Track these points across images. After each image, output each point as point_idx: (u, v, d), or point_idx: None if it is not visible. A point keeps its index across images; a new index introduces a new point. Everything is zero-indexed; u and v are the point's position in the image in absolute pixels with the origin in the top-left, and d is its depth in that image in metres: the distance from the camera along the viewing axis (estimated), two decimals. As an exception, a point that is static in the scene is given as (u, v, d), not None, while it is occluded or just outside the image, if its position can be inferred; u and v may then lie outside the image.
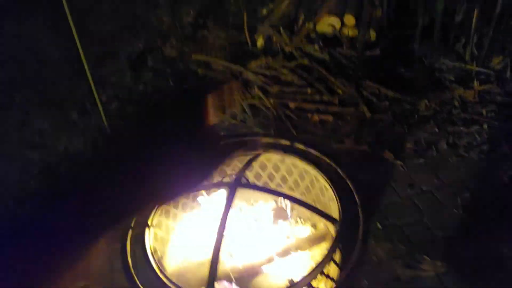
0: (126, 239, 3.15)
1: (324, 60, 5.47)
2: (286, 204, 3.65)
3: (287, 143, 3.56)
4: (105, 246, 4.05)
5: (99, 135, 4.94)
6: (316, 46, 5.56)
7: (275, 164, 3.68)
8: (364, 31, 5.53)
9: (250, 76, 5.42)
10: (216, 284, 2.90)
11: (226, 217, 2.94)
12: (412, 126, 4.78)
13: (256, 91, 5.24)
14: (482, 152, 4.48)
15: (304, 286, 2.79)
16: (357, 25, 5.62)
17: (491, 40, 5.18)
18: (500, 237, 3.77)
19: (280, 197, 3.46)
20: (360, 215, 3.08)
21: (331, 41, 5.70)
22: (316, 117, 4.95)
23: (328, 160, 3.44)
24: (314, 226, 3.60)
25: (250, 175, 3.70)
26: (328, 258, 2.82)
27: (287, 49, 5.65)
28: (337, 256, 3.01)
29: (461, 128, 4.72)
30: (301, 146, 3.54)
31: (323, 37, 5.72)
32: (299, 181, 3.66)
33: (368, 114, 4.88)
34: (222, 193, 3.52)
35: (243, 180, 3.23)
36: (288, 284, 2.85)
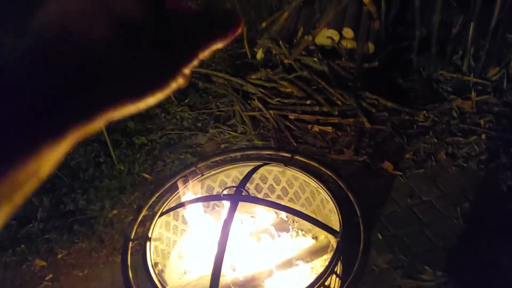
0: (127, 252, 3.09)
1: (323, 72, 5.44)
2: (287, 216, 3.60)
3: (287, 155, 3.50)
4: (105, 259, 4.02)
5: (101, 148, 4.91)
6: (315, 58, 5.52)
7: (275, 177, 3.63)
8: (362, 44, 5.50)
9: (250, 88, 5.40)
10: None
11: (228, 230, 2.88)
12: (411, 136, 4.76)
13: (256, 103, 5.21)
14: (480, 162, 4.45)
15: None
16: (356, 37, 5.58)
17: (488, 52, 5.17)
18: (500, 247, 3.75)
19: (280, 210, 3.39)
20: (361, 226, 3.01)
21: (330, 53, 5.67)
22: (315, 128, 4.94)
23: (328, 172, 3.39)
24: (315, 238, 3.54)
25: (250, 187, 3.66)
26: (329, 270, 2.75)
27: (287, 61, 5.62)
28: (338, 268, 2.95)
29: (460, 138, 4.70)
30: (301, 158, 3.49)
31: (322, 49, 5.68)
32: (299, 193, 3.61)
33: (367, 125, 4.87)
34: (223, 206, 3.46)
35: (243, 192, 3.17)
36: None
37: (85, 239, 4.24)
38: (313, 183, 3.38)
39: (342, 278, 2.99)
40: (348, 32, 5.61)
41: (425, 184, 4.35)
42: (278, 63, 5.71)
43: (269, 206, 3.29)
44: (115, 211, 4.41)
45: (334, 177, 3.34)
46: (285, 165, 3.47)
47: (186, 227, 3.55)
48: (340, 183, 3.29)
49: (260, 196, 3.69)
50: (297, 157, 3.51)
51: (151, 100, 0.64)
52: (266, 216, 3.68)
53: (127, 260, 3.05)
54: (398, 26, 5.79)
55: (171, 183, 3.49)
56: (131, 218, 3.46)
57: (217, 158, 3.64)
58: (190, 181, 3.39)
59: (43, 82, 0.56)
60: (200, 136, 5.13)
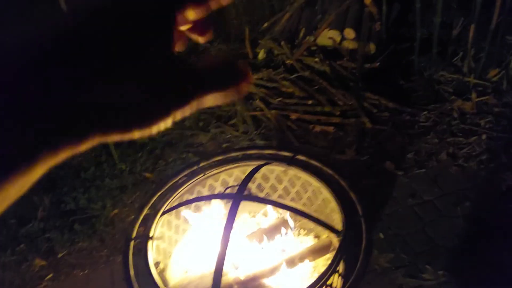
0: (128, 251, 3.04)
1: (325, 72, 5.40)
2: (289, 215, 3.56)
3: (289, 155, 3.46)
4: (106, 259, 3.97)
5: (102, 147, 4.87)
6: (317, 59, 5.49)
7: (277, 176, 3.58)
8: (363, 44, 5.47)
9: (252, 88, 5.35)
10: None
11: (230, 229, 2.83)
12: (412, 136, 4.72)
13: (258, 103, 5.17)
14: (481, 162, 4.41)
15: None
16: (357, 38, 5.55)
17: (488, 53, 5.13)
18: (500, 246, 3.72)
19: (282, 209, 3.36)
20: (363, 225, 2.98)
21: (332, 54, 5.63)
22: (317, 128, 4.90)
23: (330, 171, 3.35)
24: (317, 237, 3.51)
25: (252, 186, 3.62)
26: (331, 269, 2.71)
27: (288, 61, 5.58)
28: (340, 267, 2.91)
29: (461, 138, 4.66)
30: (303, 158, 3.45)
31: (324, 50, 5.65)
32: (301, 192, 3.57)
33: (369, 125, 4.82)
34: (225, 205, 3.43)
35: (245, 191, 3.13)
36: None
37: (86, 239, 4.19)
38: (315, 183, 3.34)
39: (345, 277, 2.95)
40: (349, 33, 5.58)
41: (426, 184, 4.31)
42: (280, 64, 5.67)
43: (271, 205, 3.26)
44: (116, 211, 4.37)
45: (336, 176, 3.30)
46: (287, 165, 3.43)
47: (187, 226, 3.51)
48: (342, 183, 3.25)
49: (262, 195, 3.64)
50: (299, 156, 3.47)
51: (136, 135, 0.63)
52: (268, 215, 3.64)
53: (128, 259, 3.01)
54: (399, 27, 5.75)
55: (173, 182, 3.45)
56: (132, 217, 3.42)
57: (219, 158, 3.59)
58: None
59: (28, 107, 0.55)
60: (202, 136, 5.09)
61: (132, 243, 3.11)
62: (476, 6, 4.86)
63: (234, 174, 3.56)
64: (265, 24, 6.12)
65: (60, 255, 4.11)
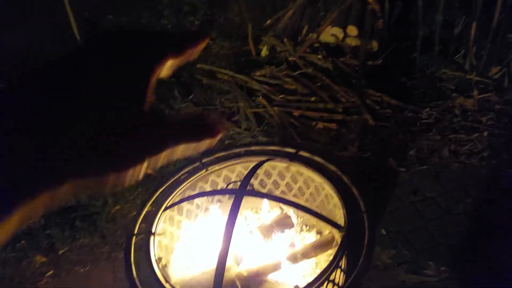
0: (130, 247, 3.02)
1: (328, 69, 5.37)
2: (292, 211, 3.55)
3: (292, 151, 3.45)
4: (108, 255, 3.95)
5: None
6: (320, 56, 5.47)
7: (280, 172, 3.56)
8: (366, 42, 5.45)
9: (254, 85, 5.33)
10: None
11: (233, 225, 2.81)
12: (414, 133, 4.70)
13: (260, 99, 5.14)
14: (483, 159, 4.41)
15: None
16: (360, 35, 5.53)
17: (489, 51, 5.12)
18: (503, 243, 3.72)
19: (285, 204, 3.34)
20: (366, 221, 2.96)
21: (334, 51, 5.61)
22: (320, 125, 4.88)
23: (332, 168, 3.33)
24: (319, 233, 3.50)
25: (255, 182, 3.60)
26: (334, 264, 2.70)
27: (291, 58, 5.56)
28: (343, 263, 2.90)
29: (462, 135, 4.64)
30: (305, 154, 3.43)
31: (327, 47, 5.62)
32: (304, 188, 3.55)
33: (371, 122, 4.80)
34: (227, 200, 3.41)
35: (248, 187, 3.11)
36: (294, 291, 2.73)
37: (87, 235, 4.15)
38: (317, 179, 3.32)
39: (347, 273, 2.94)
40: (352, 30, 5.56)
41: (428, 180, 4.30)
42: (282, 60, 5.64)
43: (274, 201, 3.25)
44: (117, 207, 4.33)
45: (338, 172, 3.28)
46: (290, 161, 3.41)
47: (190, 222, 3.49)
48: (345, 179, 3.23)
49: (264, 191, 3.62)
50: (301, 152, 3.45)
51: (111, 179, 0.64)
52: (270, 211, 3.63)
53: (130, 255, 2.99)
54: (402, 25, 5.72)
55: (175, 178, 3.43)
56: (134, 213, 3.39)
57: (221, 154, 3.57)
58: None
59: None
60: (204, 132, 5.03)
61: (134, 239, 3.09)
62: (478, 5, 4.86)
63: (236, 170, 3.54)
64: (268, 21, 6.09)
65: (61, 252, 4.07)
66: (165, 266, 3.16)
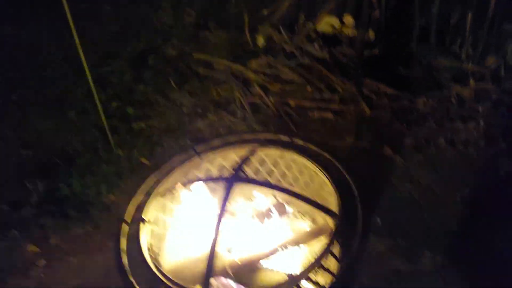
0: (119, 235, 2.97)
1: (324, 58, 5.35)
2: (286, 199, 3.50)
3: (286, 139, 3.41)
4: (100, 245, 3.90)
5: (98, 134, 4.78)
6: (316, 45, 5.42)
7: (274, 160, 3.52)
8: (363, 31, 5.40)
9: (251, 75, 5.30)
10: (212, 280, 2.75)
11: (223, 212, 2.77)
12: (411, 123, 4.69)
13: (257, 89, 5.11)
14: (479, 147, 4.40)
15: (303, 279, 2.63)
16: (357, 25, 5.49)
17: (486, 41, 5.09)
18: (499, 231, 3.68)
19: (279, 192, 3.30)
20: (359, 209, 2.92)
21: (331, 40, 5.58)
22: (316, 115, 4.85)
23: (328, 156, 3.30)
24: (313, 221, 3.45)
25: (249, 170, 3.55)
26: (326, 251, 2.66)
27: (288, 48, 5.52)
28: (336, 250, 2.85)
29: (459, 124, 4.62)
30: (300, 142, 3.40)
31: (323, 36, 5.59)
32: (298, 176, 3.51)
33: (367, 111, 4.77)
34: (221, 188, 3.36)
35: (241, 174, 3.07)
36: (286, 278, 2.68)
37: (80, 225, 4.09)
38: (312, 166, 3.29)
39: (341, 260, 2.89)
40: (349, 20, 5.52)
41: (424, 169, 4.28)
42: (279, 50, 5.59)
43: (266, 187, 3.19)
44: (111, 196, 4.29)
45: (333, 160, 3.25)
46: (284, 149, 3.37)
47: (182, 210, 3.44)
48: (339, 166, 3.20)
49: (259, 179, 3.57)
50: (296, 140, 3.42)
51: None
52: (264, 199, 3.58)
53: (120, 243, 2.95)
54: (399, 15, 5.68)
55: (168, 166, 3.39)
56: (126, 201, 3.33)
57: (215, 142, 3.53)
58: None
59: None
60: (200, 122, 5.01)
61: (125, 227, 3.04)
62: (474, -6, 4.83)
63: (230, 158, 3.50)
64: (265, 11, 6.05)
65: (53, 241, 4.02)
66: (156, 254, 3.10)
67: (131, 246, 2.92)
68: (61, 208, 4.23)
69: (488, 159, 4.32)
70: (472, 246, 3.61)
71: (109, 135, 4.68)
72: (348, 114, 4.88)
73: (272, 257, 3.10)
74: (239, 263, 3.07)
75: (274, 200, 3.55)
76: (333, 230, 2.81)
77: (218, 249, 2.77)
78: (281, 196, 3.51)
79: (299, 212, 3.50)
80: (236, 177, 3.01)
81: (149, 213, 3.12)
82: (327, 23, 5.59)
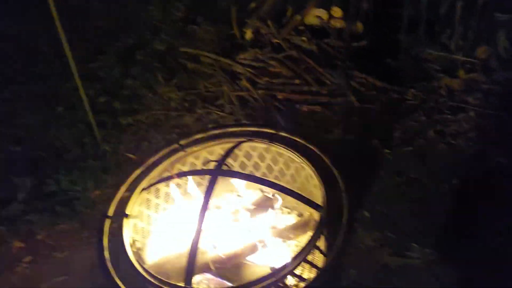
0: (102, 231, 2.92)
1: (312, 51, 5.31)
2: (272, 193, 3.46)
3: (272, 132, 3.36)
4: (86, 241, 3.87)
5: (85, 129, 4.73)
6: (304, 38, 5.38)
7: (260, 153, 3.49)
8: (351, 23, 5.37)
9: (238, 68, 5.26)
10: (195, 276, 2.71)
11: (206, 206, 2.72)
12: (399, 115, 4.66)
13: (245, 83, 5.08)
14: (469, 139, 4.37)
15: (288, 274, 2.58)
16: (345, 17, 5.44)
17: (476, 31, 5.05)
18: (488, 224, 3.65)
19: (264, 185, 3.26)
20: (345, 202, 2.87)
21: (319, 32, 5.54)
22: (304, 108, 4.81)
23: (314, 149, 3.25)
24: (300, 214, 3.42)
25: (235, 164, 3.51)
26: (311, 245, 2.61)
27: (275, 41, 5.48)
28: (321, 244, 2.81)
29: (448, 116, 4.61)
30: (286, 134, 3.35)
31: (311, 29, 5.55)
32: (284, 170, 3.47)
33: (356, 104, 4.74)
34: (204, 181, 3.32)
35: (225, 167, 3.02)
36: (270, 272, 2.63)
37: (66, 221, 4.07)
38: (297, 159, 3.25)
39: (326, 254, 2.85)
40: (337, 12, 5.48)
41: (413, 161, 4.25)
42: (267, 43, 5.55)
43: (252, 181, 3.14)
44: (97, 192, 4.26)
45: (318, 152, 3.20)
46: (270, 141, 3.33)
47: (167, 205, 3.40)
48: (325, 159, 3.15)
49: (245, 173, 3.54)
50: (282, 133, 3.38)
51: None
52: (250, 193, 3.54)
53: (103, 239, 2.90)
54: (387, 6, 5.64)
55: (152, 160, 3.34)
56: (110, 196, 3.28)
57: (200, 135, 3.48)
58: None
59: None
60: (187, 117, 4.97)
61: (108, 222, 3.00)
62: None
63: (215, 152, 3.46)
64: (253, 4, 6.00)
65: (39, 237, 3.98)
66: (139, 249, 3.06)
67: (114, 242, 2.87)
68: (48, 204, 4.20)
69: (478, 150, 4.29)
70: (462, 239, 3.58)
71: (96, 130, 4.64)
72: (336, 107, 4.85)
73: (257, 251, 3.06)
74: (224, 257, 3.02)
75: (260, 194, 3.52)
76: (318, 224, 2.76)
77: (202, 244, 2.72)
78: (267, 190, 3.47)
79: (285, 205, 3.47)
80: (220, 170, 2.96)
81: (132, 208, 3.07)
82: (314, 15, 5.54)
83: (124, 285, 2.60)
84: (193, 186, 3.36)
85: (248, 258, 3.07)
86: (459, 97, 4.78)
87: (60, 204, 4.18)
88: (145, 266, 2.77)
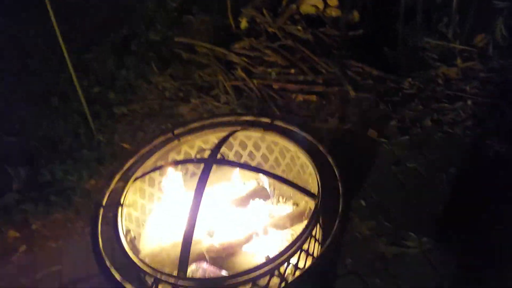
0: (97, 220, 2.91)
1: (308, 40, 5.29)
2: (267, 182, 3.46)
3: (267, 121, 3.35)
4: (81, 230, 3.87)
5: (80, 120, 4.72)
6: (299, 27, 5.36)
7: (255, 142, 3.48)
8: (347, 12, 5.35)
9: (234, 58, 5.25)
10: (192, 265, 2.71)
11: (201, 195, 2.71)
12: (396, 104, 4.65)
13: (240, 72, 5.06)
14: (466, 128, 4.36)
15: (282, 262, 2.57)
16: (340, 5, 5.43)
17: (473, 19, 5.04)
18: (486, 213, 3.64)
19: (259, 174, 3.25)
20: (341, 191, 2.86)
21: (315, 21, 5.51)
22: (300, 97, 4.81)
23: (307, 136, 3.24)
24: (296, 204, 3.41)
25: (230, 154, 3.50)
26: (306, 233, 2.60)
27: (271, 30, 5.45)
28: (317, 232, 2.80)
29: (446, 104, 4.60)
30: (281, 123, 3.34)
31: (307, 17, 5.52)
32: (280, 159, 3.46)
33: (352, 93, 4.73)
34: (199, 170, 3.31)
35: (219, 156, 3.01)
36: (265, 261, 2.63)
37: (61, 210, 4.07)
38: (292, 148, 3.24)
39: (322, 243, 2.84)
40: (333, 0, 5.44)
41: (410, 151, 4.24)
42: (262, 32, 5.53)
43: (246, 169, 3.14)
44: (92, 182, 4.25)
45: (314, 141, 3.19)
46: (265, 130, 3.32)
47: (162, 194, 3.39)
48: (320, 147, 3.14)
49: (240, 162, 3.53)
50: (276, 122, 3.36)
51: None
52: (246, 183, 3.54)
53: (98, 228, 2.89)
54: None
55: (146, 149, 3.32)
56: (104, 185, 3.28)
57: (195, 124, 3.47)
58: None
59: None
60: (182, 107, 4.97)
61: (102, 211, 2.99)
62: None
63: (210, 141, 3.45)
64: (248, -7, 5.99)
65: (34, 227, 3.99)
66: (134, 238, 3.06)
67: (108, 231, 2.86)
68: (42, 194, 4.21)
69: (476, 139, 4.28)
70: (458, 228, 3.58)
71: (90, 121, 4.63)
72: (332, 96, 4.83)
73: (252, 241, 3.06)
74: (219, 247, 3.02)
75: (255, 183, 3.51)
76: (314, 212, 2.75)
77: (196, 233, 2.71)
78: (262, 179, 3.47)
79: (281, 196, 3.46)
80: (213, 158, 2.95)
81: (127, 198, 3.06)
82: (310, 4, 5.52)
83: (119, 275, 2.59)
84: (188, 175, 3.36)
85: (243, 247, 3.06)
86: (456, 85, 4.76)
87: (55, 194, 4.18)
88: (139, 255, 2.77)
